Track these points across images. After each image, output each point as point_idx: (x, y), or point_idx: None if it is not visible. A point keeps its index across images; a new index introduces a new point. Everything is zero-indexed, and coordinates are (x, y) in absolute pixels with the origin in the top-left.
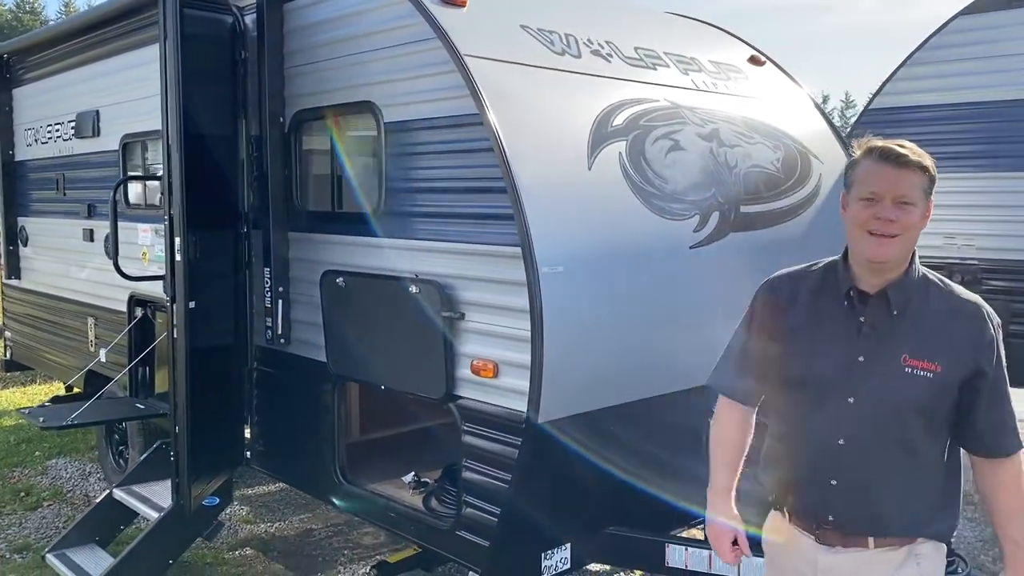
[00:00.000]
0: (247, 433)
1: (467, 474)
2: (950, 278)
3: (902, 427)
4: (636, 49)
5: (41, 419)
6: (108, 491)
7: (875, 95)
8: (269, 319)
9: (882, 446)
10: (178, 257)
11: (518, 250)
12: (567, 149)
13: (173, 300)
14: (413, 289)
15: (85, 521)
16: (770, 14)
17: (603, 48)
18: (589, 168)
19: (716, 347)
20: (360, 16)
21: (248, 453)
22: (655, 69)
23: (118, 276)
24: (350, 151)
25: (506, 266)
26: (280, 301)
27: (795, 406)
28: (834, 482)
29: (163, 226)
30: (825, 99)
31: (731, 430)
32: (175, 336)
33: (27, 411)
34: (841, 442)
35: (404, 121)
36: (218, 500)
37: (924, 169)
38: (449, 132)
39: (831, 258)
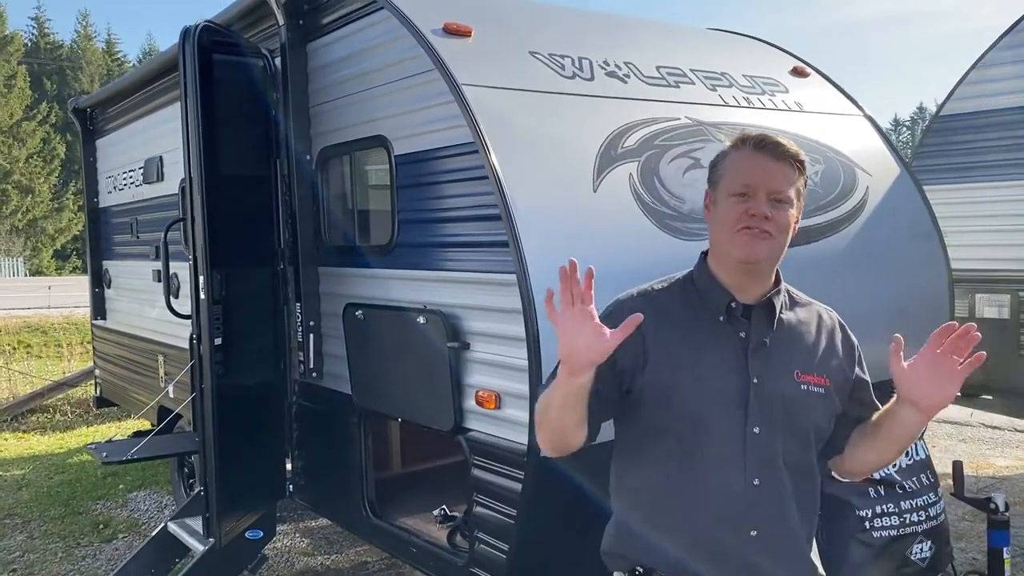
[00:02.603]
0: (289, 467)
1: (477, 509)
2: None
3: (807, 452)
4: (658, 68)
5: (104, 454)
6: (163, 524)
7: (945, 101)
8: (302, 353)
9: (793, 477)
10: (202, 296)
11: (514, 277)
12: (570, 173)
13: (198, 338)
14: (421, 320)
15: (141, 553)
16: (885, 23)
17: (620, 69)
18: (595, 191)
19: None
20: (371, 51)
21: (290, 487)
22: (678, 87)
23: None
24: (368, 185)
25: (504, 294)
26: (311, 335)
27: (687, 450)
28: (754, 533)
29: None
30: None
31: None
32: (201, 373)
33: (93, 446)
34: (756, 483)
35: (412, 153)
36: (261, 534)
37: (801, 166)
38: (451, 161)
39: (680, 273)
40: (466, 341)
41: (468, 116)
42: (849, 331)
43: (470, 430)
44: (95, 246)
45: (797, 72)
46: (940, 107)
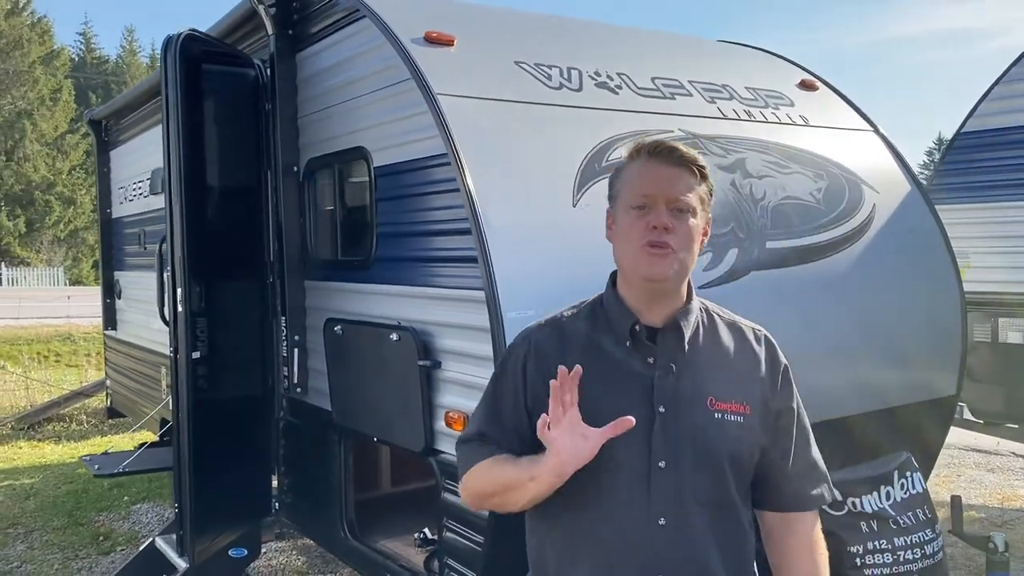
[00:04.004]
0: (275, 484)
1: (447, 535)
2: None
3: (721, 488)
4: (653, 79)
5: (96, 467)
6: (151, 539)
7: (968, 117)
8: (286, 368)
9: (706, 517)
10: (180, 308)
11: (483, 294)
12: (548, 186)
13: (176, 351)
14: (394, 337)
15: (128, 568)
16: (929, 41)
17: (612, 80)
18: (574, 205)
19: None
20: (354, 61)
21: (276, 504)
22: (673, 99)
23: None
24: (350, 198)
25: (473, 311)
26: (296, 350)
27: (588, 489)
28: None
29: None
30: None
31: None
32: (176, 386)
33: (88, 458)
34: (662, 522)
35: (390, 165)
36: (246, 552)
37: (701, 172)
38: (426, 174)
39: (594, 296)
40: (437, 359)
41: (441, 126)
42: (779, 351)
43: (441, 452)
44: (107, 257)
45: (805, 85)
46: (962, 124)
